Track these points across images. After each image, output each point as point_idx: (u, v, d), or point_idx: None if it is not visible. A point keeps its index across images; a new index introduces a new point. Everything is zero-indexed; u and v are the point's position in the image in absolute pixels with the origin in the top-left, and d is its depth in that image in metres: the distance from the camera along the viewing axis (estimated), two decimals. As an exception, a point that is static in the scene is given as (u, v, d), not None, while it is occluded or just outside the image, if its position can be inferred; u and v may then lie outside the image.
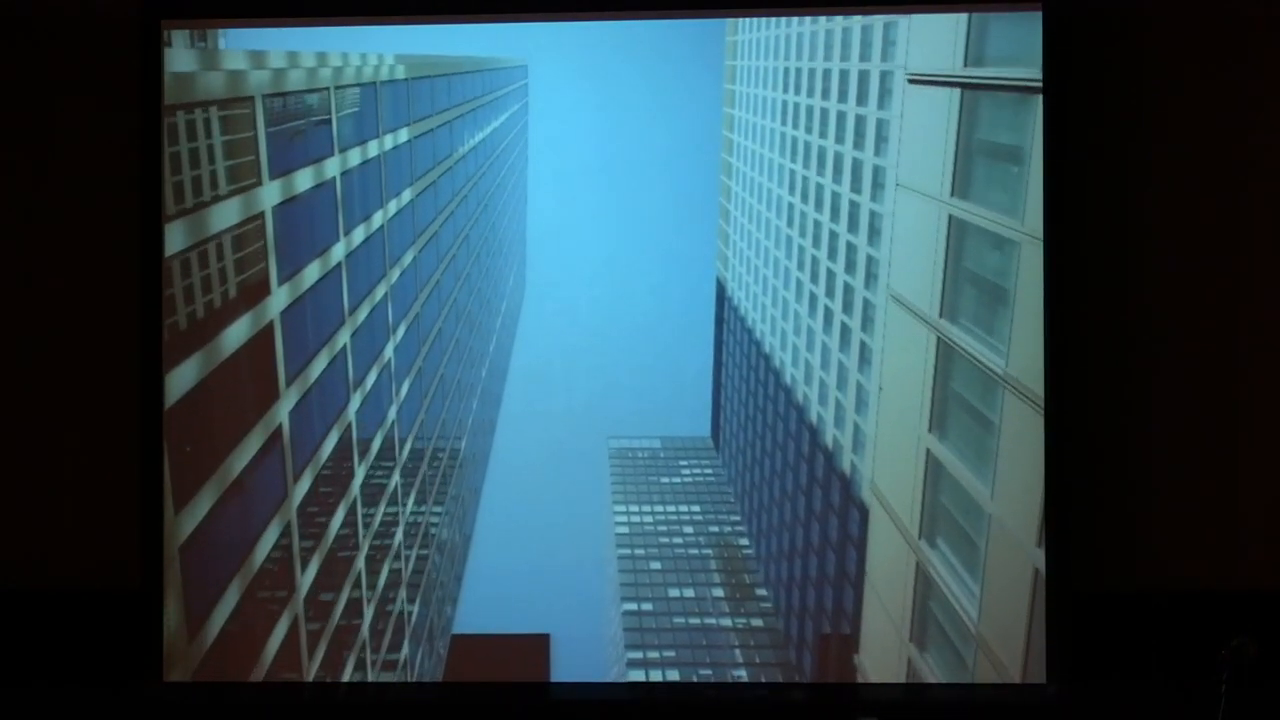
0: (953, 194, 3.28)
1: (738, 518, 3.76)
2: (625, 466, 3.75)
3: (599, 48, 3.32)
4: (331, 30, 3.39)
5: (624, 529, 3.73)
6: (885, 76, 3.44)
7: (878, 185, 3.56)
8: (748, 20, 3.45)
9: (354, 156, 3.75)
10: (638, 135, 3.39)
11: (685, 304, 3.45)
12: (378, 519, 3.66)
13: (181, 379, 3.26)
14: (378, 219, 4.01)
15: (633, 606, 3.62)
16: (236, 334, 3.37)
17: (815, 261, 3.95)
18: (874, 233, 3.53)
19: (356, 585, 3.60)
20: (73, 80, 3.37)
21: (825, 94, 3.81)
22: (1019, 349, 3.14)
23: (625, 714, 3.27)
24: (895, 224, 3.41)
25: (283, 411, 3.61)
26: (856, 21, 3.45)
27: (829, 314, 3.83)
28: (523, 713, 3.29)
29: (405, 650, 3.57)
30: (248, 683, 3.30)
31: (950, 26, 3.25)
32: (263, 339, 3.48)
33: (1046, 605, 3.08)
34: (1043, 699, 3.09)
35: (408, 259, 4.17)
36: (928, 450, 3.35)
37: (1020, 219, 3.15)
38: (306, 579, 3.49)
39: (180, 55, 3.26)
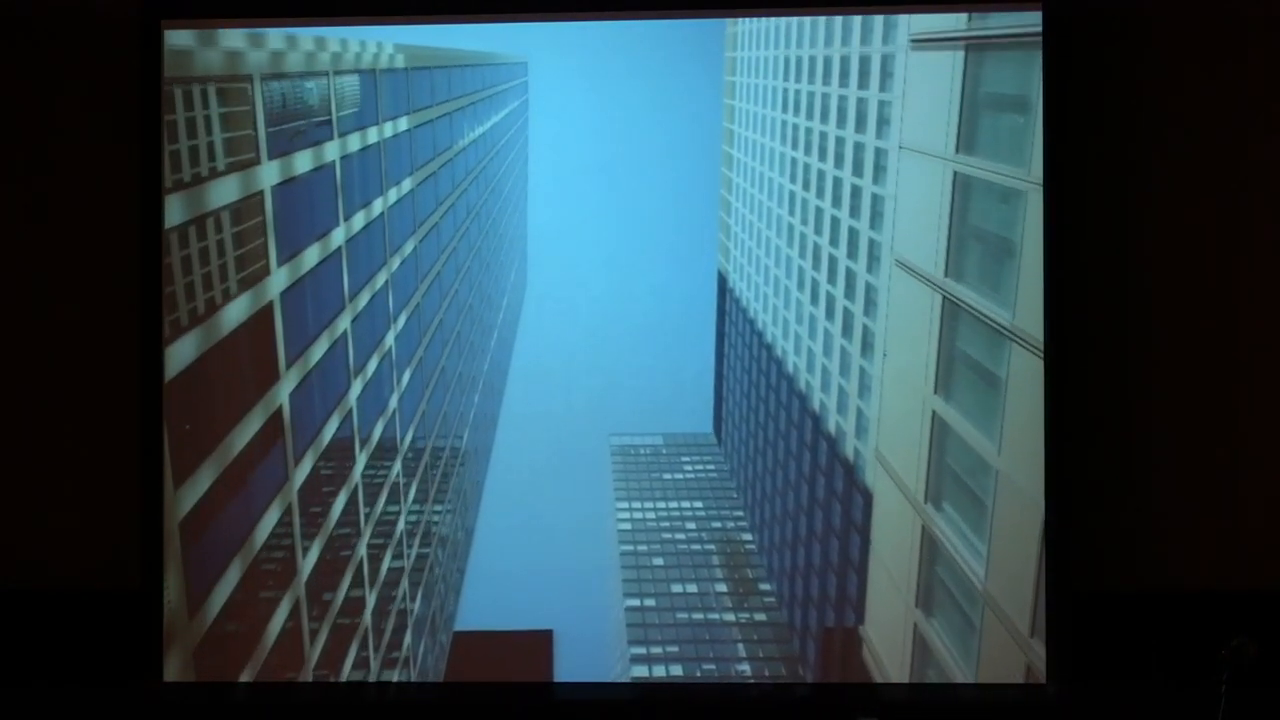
0: (958, 150, 3.27)
1: (740, 513, 3.76)
2: (627, 463, 3.75)
3: (598, 47, 3.32)
4: (331, 30, 3.40)
5: (626, 526, 3.74)
6: (886, 60, 3.43)
7: (880, 169, 3.56)
8: (745, 35, 3.46)
9: (353, 142, 3.75)
10: (637, 133, 3.39)
11: (686, 303, 3.45)
12: (379, 508, 3.66)
13: (181, 354, 3.25)
14: (378, 206, 4.02)
15: (636, 602, 3.63)
16: (236, 312, 3.37)
17: (817, 248, 3.95)
18: (876, 216, 3.53)
19: (358, 572, 3.60)
20: (73, 80, 3.37)
21: (826, 79, 3.80)
22: (1025, 302, 3.13)
23: (628, 714, 3.27)
24: (899, 189, 3.41)
25: (283, 393, 3.60)
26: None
27: (831, 300, 3.83)
28: (526, 713, 3.29)
29: (408, 639, 3.57)
30: (248, 682, 3.30)
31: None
32: (262, 319, 3.47)
33: (1046, 605, 3.08)
34: (1043, 699, 3.09)
35: (408, 248, 4.18)
36: (933, 412, 3.35)
37: (1026, 169, 3.14)
38: (308, 563, 3.49)
39: (179, 33, 3.27)
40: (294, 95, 3.47)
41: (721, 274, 3.54)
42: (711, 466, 3.90)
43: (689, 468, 3.88)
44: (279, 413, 3.60)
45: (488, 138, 4.40)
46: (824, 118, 3.91)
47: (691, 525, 3.71)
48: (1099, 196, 3.22)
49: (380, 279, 3.95)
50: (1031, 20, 3.12)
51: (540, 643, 3.33)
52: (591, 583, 3.46)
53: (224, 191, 3.37)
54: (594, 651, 3.35)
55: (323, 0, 3.31)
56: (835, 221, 3.84)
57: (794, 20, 3.56)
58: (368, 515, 3.61)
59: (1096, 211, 3.22)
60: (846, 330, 3.71)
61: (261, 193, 3.44)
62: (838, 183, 3.83)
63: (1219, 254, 3.21)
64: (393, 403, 3.85)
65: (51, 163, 3.39)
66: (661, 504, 3.79)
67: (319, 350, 3.76)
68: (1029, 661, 3.09)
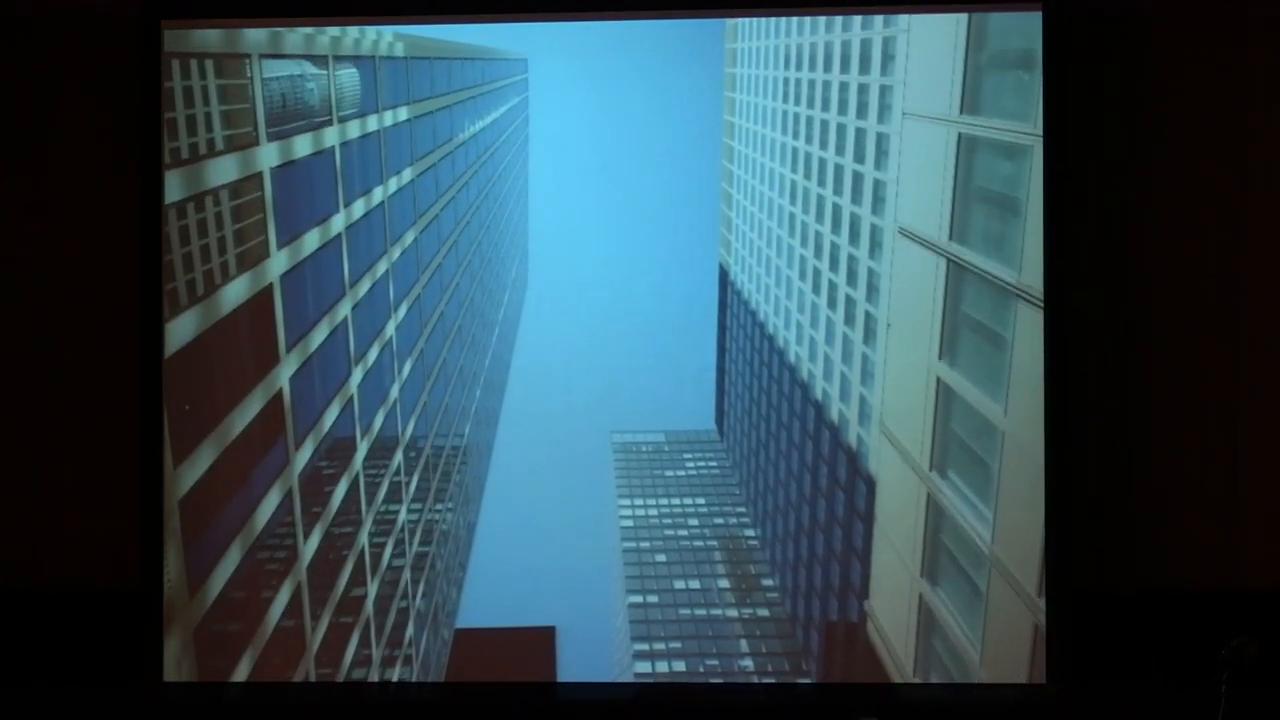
0: (962, 111, 3.26)
1: (743, 509, 3.77)
2: (629, 460, 3.76)
3: (598, 47, 3.32)
4: (331, 30, 3.40)
5: (629, 522, 3.74)
6: (888, 42, 3.42)
7: (881, 153, 3.56)
8: (746, 25, 3.45)
9: (353, 129, 3.75)
10: (638, 132, 3.39)
11: (687, 302, 3.45)
12: (380, 496, 3.66)
13: (180, 331, 3.25)
14: (378, 195, 4.02)
15: (638, 599, 3.63)
16: (235, 292, 3.37)
17: (819, 236, 3.95)
18: (878, 201, 3.53)
19: (360, 562, 3.60)
20: (73, 80, 3.37)
21: (827, 66, 3.80)
22: (1031, 260, 3.12)
23: (628, 714, 3.27)
24: (902, 156, 3.40)
25: (283, 376, 3.60)
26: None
27: (833, 288, 3.83)
28: (530, 712, 3.29)
29: (410, 630, 3.58)
30: (248, 682, 3.29)
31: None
32: (262, 301, 3.47)
33: (1046, 605, 3.08)
34: (1043, 699, 3.09)
35: (409, 238, 4.18)
36: (938, 379, 3.35)
37: (1033, 123, 3.13)
38: (309, 549, 3.49)
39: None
40: (294, 78, 3.46)
41: (723, 267, 3.54)
42: (714, 462, 3.91)
43: (691, 464, 3.89)
44: (279, 396, 3.60)
45: (488, 133, 4.40)
46: (825, 105, 3.91)
47: (694, 521, 3.71)
48: (1099, 198, 3.22)
49: (381, 267, 3.96)
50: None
51: (543, 639, 3.33)
52: (594, 580, 3.46)
53: (223, 171, 3.36)
54: (596, 648, 3.35)
55: (323, 0, 3.31)
56: (837, 209, 3.84)
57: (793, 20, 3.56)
58: (369, 505, 3.61)
59: (1096, 214, 3.21)
60: (849, 319, 3.71)
61: (260, 174, 3.44)
62: (839, 170, 3.83)
63: (1219, 258, 3.21)
64: (394, 393, 3.85)
65: (51, 162, 3.39)
66: (664, 500, 3.80)
67: (319, 335, 3.76)
68: (1036, 621, 3.08)
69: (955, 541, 3.28)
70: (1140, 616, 3.17)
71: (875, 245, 3.53)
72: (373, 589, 3.60)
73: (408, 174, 4.20)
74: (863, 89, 3.67)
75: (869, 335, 3.54)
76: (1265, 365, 3.20)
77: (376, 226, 3.96)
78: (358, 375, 3.93)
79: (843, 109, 3.81)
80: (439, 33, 3.38)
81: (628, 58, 3.33)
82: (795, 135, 4.07)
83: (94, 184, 3.37)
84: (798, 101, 4.03)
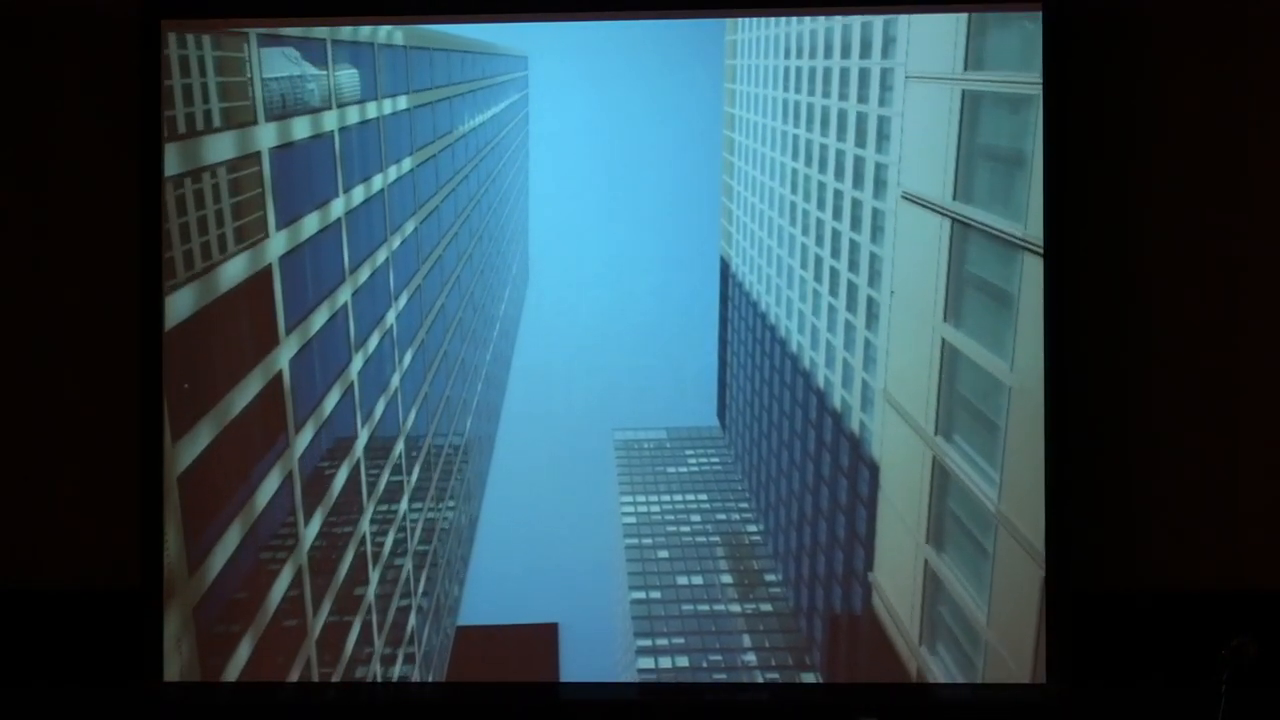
0: (966, 68, 3.26)
1: (745, 504, 3.77)
2: (631, 458, 3.76)
3: (598, 47, 3.32)
4: (332, 30, 3.40)
5: (631, 519, 3.74)
6: (889, 23, 3.41)
7: (883, 136, 3.55)
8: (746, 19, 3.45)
9: (352, 114, 3.75)
10: (637, 131, 3.39)
11: (688, 301, 3.45)
12: (381, 486, 3.67)
13: (179, 307, 3.26)
14: (378, 182, 4.02)
15: (641, 595, 3.63)
16: (234, 270, 3.37)
17: (820, 223, 3.95)
18: (880, 185, 3.53)
19: (361, 548, 3.60)
20: (73, 80, 3.37)
21: (828, 53, 3.80)
22: (1037, 212, 3.12)
23: (629, 713, 3.27)
24: (905, 118, 3.39)
25: (283, 358, 3.60)
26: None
27: (835, 274, 3.83)
28: (532, 712, 3.28)
29: (412, 620, 3.58)
30: (248, 682, 3.29)
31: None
32: (261, 281, 3.47)
33: (1046, 605, 3.08)
34: (1043, 699, 3.09)
35: (409, 228, 4.18)
36: (943, 340, 3.35)
37: (1037, 72, 3.13)
38: (310, 533, 3.49)
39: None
40: (291, 58, 3.45)
41: (724, 258, 3.54)
42: (715, 459, 3.91)
43: (693, 460, 3.89)
44: (279, 378, 3.59)
45: (488, 127, 4.40)
46: (825, 89, 3.90)
47: (696, 518, 3.71)
48: (1099, 200, 3.22)
49: (381, 256, 3.96)
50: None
51: (545, 636, 3.33)
52: (596, 577, 3.46)
53: (221, 148, 3.36)
54: (599, 645, 3.35)
55: (323, 0, 3.31)
56: (838, 194, 3.84)
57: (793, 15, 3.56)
58: (370, 494, 3.61)
59: (1096, 216, 3.21)
60: (851, 305, 3.71)
61: (259, 153, 3.44)
62: (840, 154, 3.83)
63: (1220, 257, 3.21)
64: (394, 381, 3.86)
65: (51, 162, 3.39)
66: (666, 497, 3.80)
67: (319, 319, 3.76)
68: (1043, 576, 3.09)
69: (961, 505, 3.28)
70: (1140, 616, 3.17)
71: (877, 229, 3.53)
72: (374, 577, 3.59)
73: (407, 163, 4.21)
74: (864, 73, 3.66)
75: (871, 320, 3.54)
76: (1265, 366, 3.20)
77: (376, 214, 3.97)
78: (358, 362, 3.93)
79: (843, 90, 3.80)
80: (439, 27, 3.37)
81: (627, 56, 3.33)
82: (795, 122, 4.07)
83: (94, 183, 3.37)
84: (798, 89, 4.02)
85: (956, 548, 3.28)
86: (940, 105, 3.32)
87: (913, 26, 3.33)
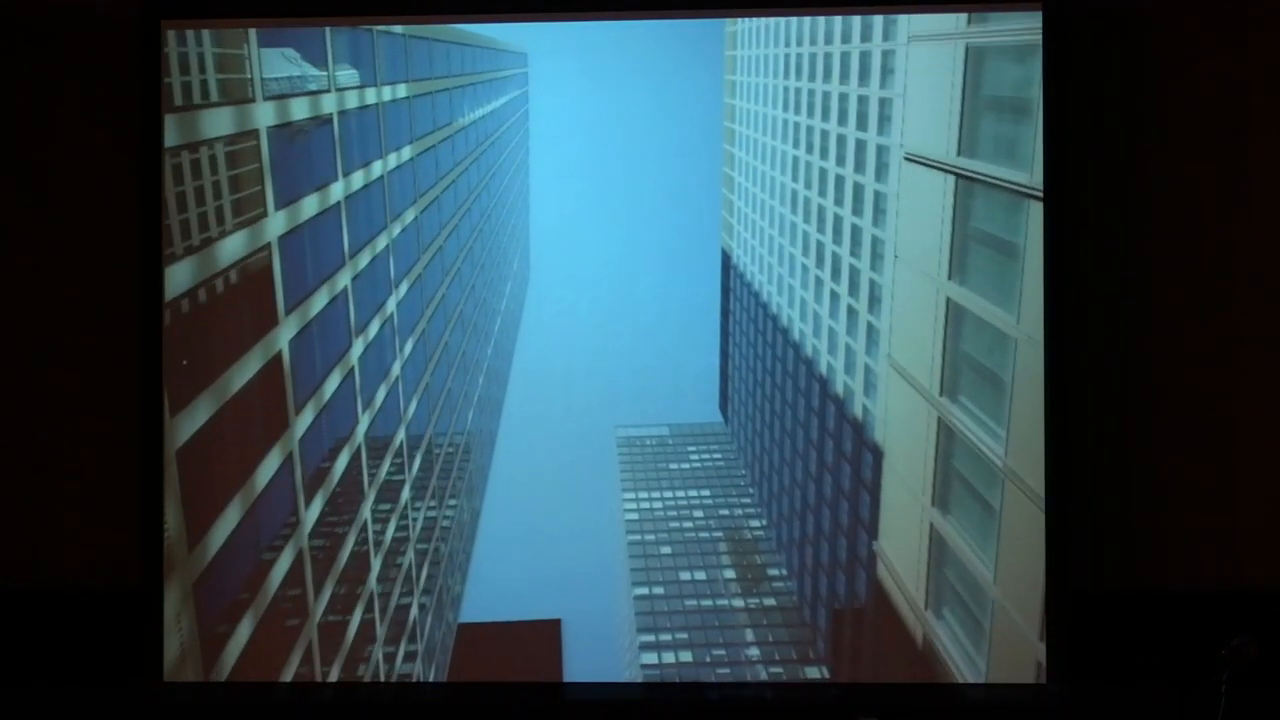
0: (969, 23, 3.25)
1: (748, 499, 3.77)
2: (633, 455, 3.76)
3: (597, 40, 3.32)
4: (332, 30, 3.40)
5: (634, 515, 3.75)
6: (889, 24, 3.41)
7: (884, 119, 3.54)
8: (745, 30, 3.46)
9: (351, 98, 3.75)
10: (637, 126, 3.39)
11: (688, 301, 3.45)
12: (382, 473, 3.67)
13: (177, 281, 3.26)
14: (377, 168, 4.02)
15: (644, 591, 3.63)
16: (233, 248, 3.36)
17: (821, 209, 3.95)
18: (882, 167, 3.53)
19: (363, 533, 3.60)
20: (73, 80, 3.37)
21: (829, 39, 3.78)
22: (1040, 163, 3.13)
23: (631, 712, 3.27)
24: (908, 79, 3.37)
25: (282, 339, 3.60)
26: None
27: (837, 260, 3.83)
28: (534, 711, 3.29)
29: (414, 612, 3.58)
30: (247, 682, 3.29)
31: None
32: (260, 261, 3.47)
33: (1046, 605, 3.08)
34: (1043, 699, 3.10)
35: (409, 216, 4.19)
36: (948, 299, 3.35)
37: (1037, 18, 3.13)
38: (311, 514, 3.49)
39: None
40: (289, 39, 3.44)
41: (725, 250, 3.54)
42: (718, 454, 3.91)
43: (695, 457, 3.89)
44: (278, 358, 3.59)
45: (488, 121, 4.40)
46: (826, 76, 3.89)
47: (699, 513, 3.72)
48: (1100, 200, 3.22)
49: (381, 242, 3.96)
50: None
51: (548, 632, 3.33)
52: (599, 573, 3.46)
53: (219, 125, 3.36)
54: (603, 641, 3.35)
55: (323, 0, 3.31)
56: (840, 179, 3.84)
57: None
58: (373, 478, 3.61)
59: (1097, 214, 3.22)
60: (854, 289, 3.71)
61: (257, 131, 3.44)
62: (841, 140, 3.83)
63: (1219, 254, 3.21)
64: (395, 369, 3.86)
65: (51, 162, 3.39)
66: (669, 493, 3.80)
67: (319, 302, 3.76)
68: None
69: (967, 463, 3.27)
70: (1140, 616, 3.17)
71: (879, 212, 3.52)
72: (375, 564, 3.59)
73: (407, 152, 4.20)
74: (865, 55, 3.65)
75: (874, 303, 3.54)
76: (1265, 365, 3.20)
77: (376, 200, 3.96)
78: (359, 347, 3.93)
79: (844, 75, 3.79)
80: (437, 28, 3.37)
81: (626, 50, 3.32)
82: (796, 109, 4.07)
83: (93, 183, 3.37)
84: (798, 76, 4.02)
85: (962, 508, 3.27)
86: (943, 64, 3.29)
87: None
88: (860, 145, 3.70)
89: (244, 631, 3.32)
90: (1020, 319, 3.17)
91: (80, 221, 3.38)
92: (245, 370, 3.40)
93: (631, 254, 3.40)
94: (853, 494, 3.52)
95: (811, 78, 3.98)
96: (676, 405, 3.49)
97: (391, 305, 3.89)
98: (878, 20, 3.40)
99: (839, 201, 3.85)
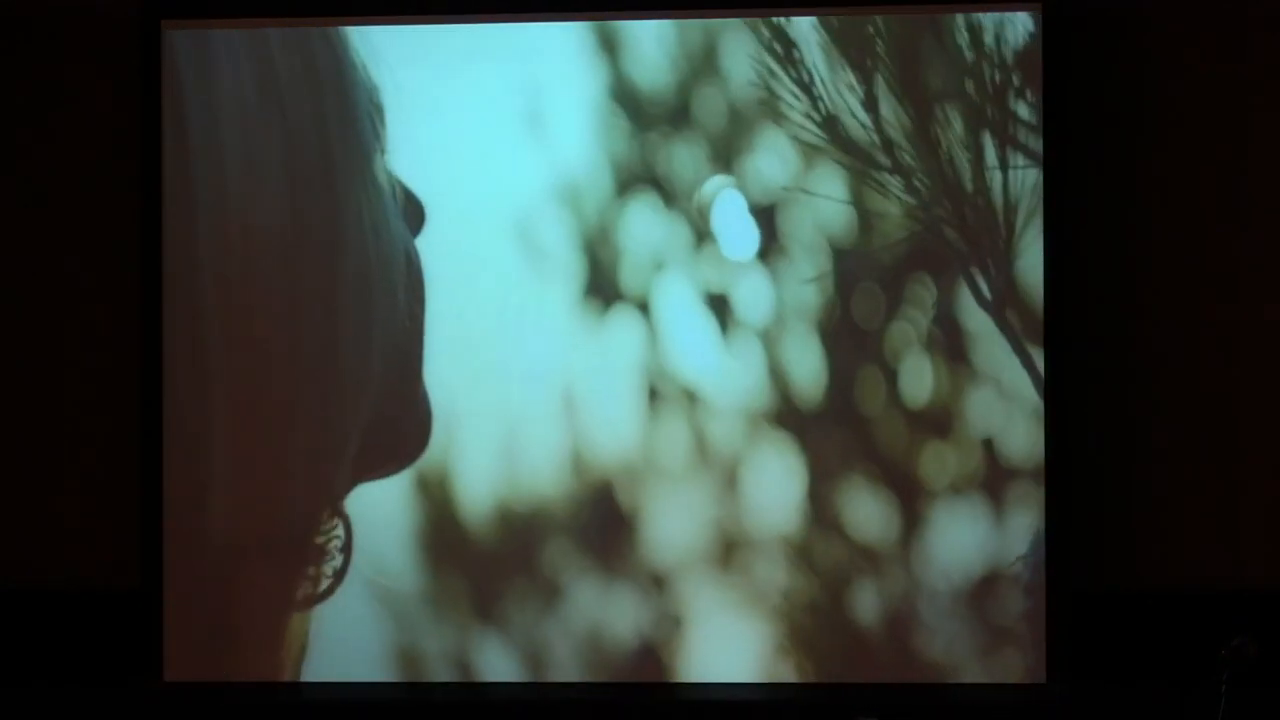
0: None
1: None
2: None
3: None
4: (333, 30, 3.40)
5: None
6: None
7: None
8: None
9: None
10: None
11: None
12: None
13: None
14: None
15: None
16: None
17: None
18: None
19: None
20: (73, 80, 3.37)
21: None
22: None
23: (626, 712, 3.27)
24: None
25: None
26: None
27: None
28: (526, 710, 3.28)
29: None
30: (248, 682, 3.29)
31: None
32: None
33: (1046, 605, 3.08)
34: (1043, 699, 3.09)
35: None
36: None
37: None
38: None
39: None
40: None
41: None
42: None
43: None
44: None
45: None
46: None
47: None
48: (1099, 200, 3.22)
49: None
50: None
51: None
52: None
53: None
54: None
55: (323, 0, 3.31)
56: None
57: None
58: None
59: (1096, 214, 3.21)
60: None
61: None
62: None
63: (1220, 254, 3.21)
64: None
65: (51, 162, 3.39)
66: None
67: None
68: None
69: None
70: (1140, 616, 3.17)
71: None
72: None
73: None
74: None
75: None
76: (1265, 366, 3.20)
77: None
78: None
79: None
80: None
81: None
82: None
83: (94, 183, 3.37)
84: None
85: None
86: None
87: None
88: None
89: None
90: (1020, 319, 3.17)
91: (80, 221, 3.38)
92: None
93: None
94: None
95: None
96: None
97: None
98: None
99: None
